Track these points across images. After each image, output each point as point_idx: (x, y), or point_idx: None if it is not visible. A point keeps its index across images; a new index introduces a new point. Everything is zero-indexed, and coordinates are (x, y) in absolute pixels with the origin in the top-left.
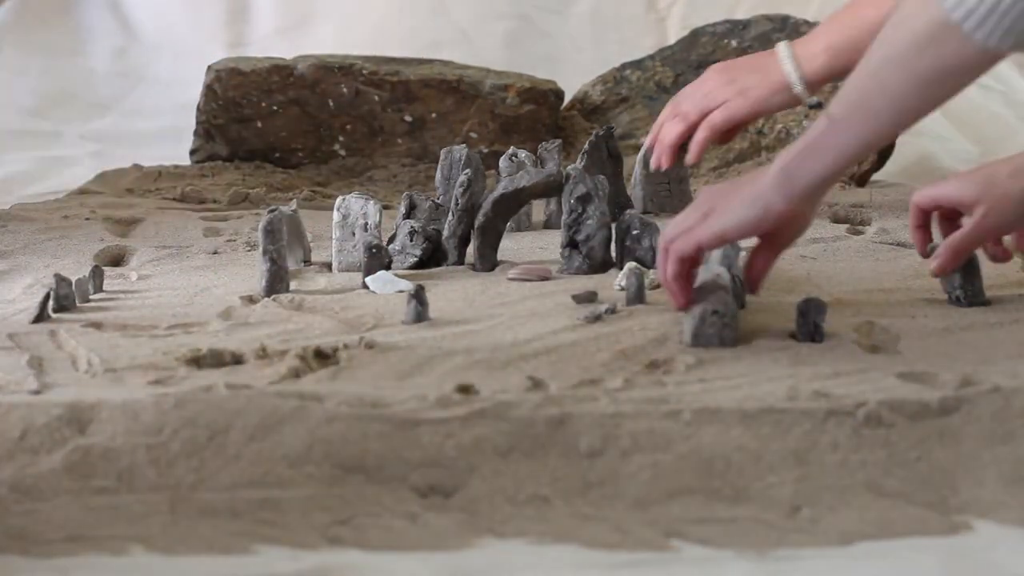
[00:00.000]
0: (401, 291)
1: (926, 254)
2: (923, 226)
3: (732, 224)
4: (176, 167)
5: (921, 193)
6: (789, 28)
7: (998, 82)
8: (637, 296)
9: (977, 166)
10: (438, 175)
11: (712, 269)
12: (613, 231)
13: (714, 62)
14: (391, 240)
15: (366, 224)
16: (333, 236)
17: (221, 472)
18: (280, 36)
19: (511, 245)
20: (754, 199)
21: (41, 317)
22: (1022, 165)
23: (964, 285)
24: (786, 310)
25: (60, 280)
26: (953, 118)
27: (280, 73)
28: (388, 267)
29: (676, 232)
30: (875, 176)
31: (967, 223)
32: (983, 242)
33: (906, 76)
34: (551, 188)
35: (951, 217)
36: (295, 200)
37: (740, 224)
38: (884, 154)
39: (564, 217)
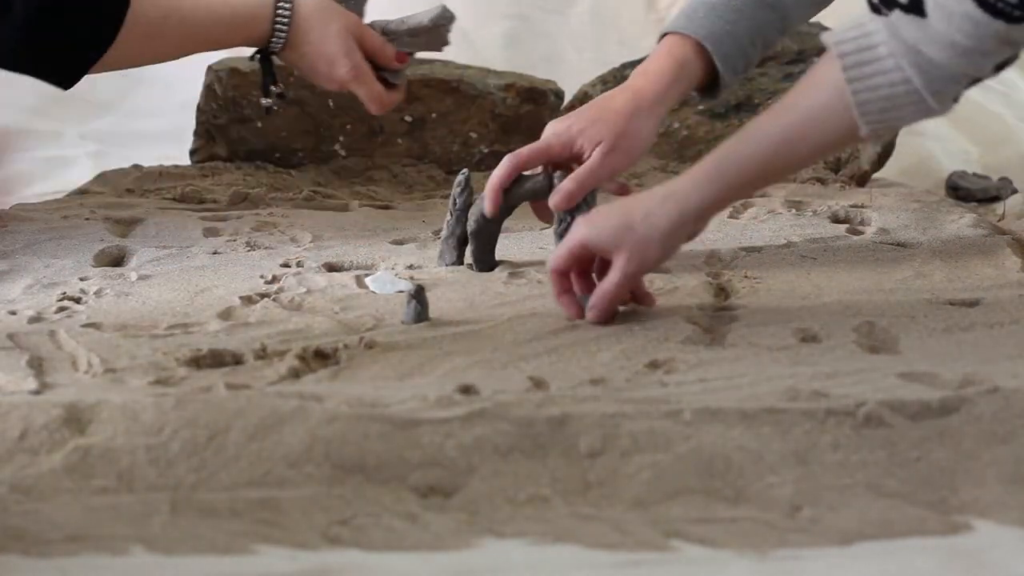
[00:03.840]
0: (401, 291)
1: (579, 314)
2: (568, 291)
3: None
4: (176, 167)
5: (555, 257)
6: None
7: (998, 82)
8: None
9: (609, 206)
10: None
11: None
12: None
13: None
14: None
15: None
16: None
17: (221, 472)
18: None
19: (511, 245)
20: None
21: None
22: (652, 208)
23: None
24: (786, 311)
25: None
26: (953, 118)
27: (280, 73)
28: None
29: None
30: (875, 176)
31: (612, 271)
32: (631, 287)
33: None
34: (539, 192)
35: (588, 270)
36: None
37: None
38: (884, 154)
39: (555, 226)
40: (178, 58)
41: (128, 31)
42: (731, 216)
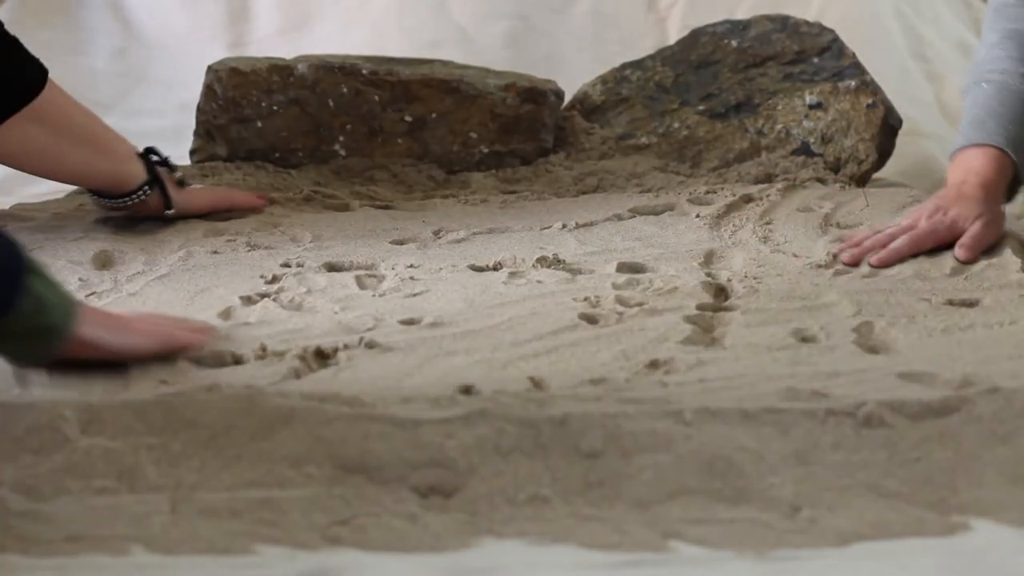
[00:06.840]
0: None
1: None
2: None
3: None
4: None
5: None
6: (789, 28)
7: None
8: None
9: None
10: None
11: None
12: None
13: (714, 62)
14: None
15: None
16: None
17: (222, 472)
18: (280, 36)
19: (511, 244)
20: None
21: None
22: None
23: None
24: (786, 311)
25: None
26: (953, 118)
27: (280, 73)
28: None
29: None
30: (875, 176)
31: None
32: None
33: None
34: None
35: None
36: None
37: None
38: (884, 154)
39: None
40: (42, 176)
41: (41, 106)
42: None
